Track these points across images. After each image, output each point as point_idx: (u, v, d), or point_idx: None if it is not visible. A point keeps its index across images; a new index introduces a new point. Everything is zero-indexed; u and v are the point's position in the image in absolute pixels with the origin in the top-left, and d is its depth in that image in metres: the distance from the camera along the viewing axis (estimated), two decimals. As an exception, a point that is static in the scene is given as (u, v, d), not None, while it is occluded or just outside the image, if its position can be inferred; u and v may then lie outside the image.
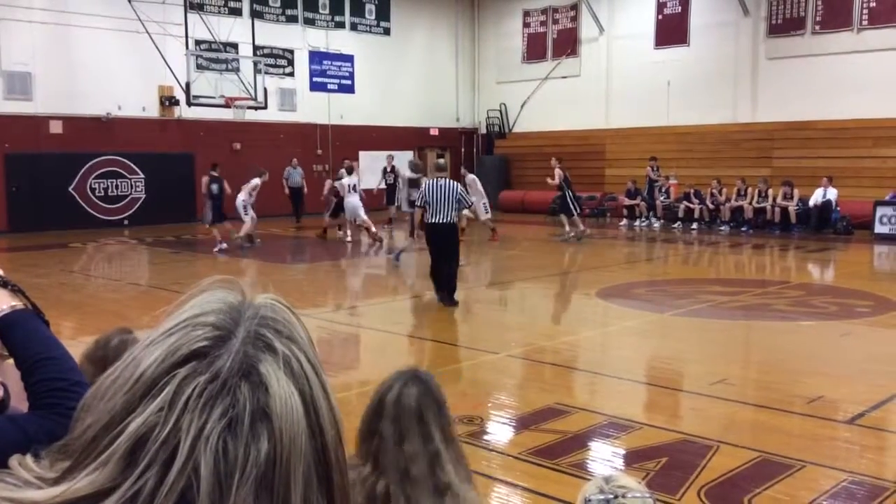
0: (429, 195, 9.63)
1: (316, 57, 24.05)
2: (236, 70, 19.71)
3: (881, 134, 18.79)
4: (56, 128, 19.42)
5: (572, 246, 16.11)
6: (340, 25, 24.69)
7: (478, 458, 4.79)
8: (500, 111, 27.27)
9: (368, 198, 17.68)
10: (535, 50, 26.21)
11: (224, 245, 15.40)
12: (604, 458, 4.96)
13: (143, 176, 20.84)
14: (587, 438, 5.19)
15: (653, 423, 5.43)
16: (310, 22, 23.96)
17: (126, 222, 20.56)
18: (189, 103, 18.57)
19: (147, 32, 18.82)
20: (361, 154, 23.87)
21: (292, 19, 23.54)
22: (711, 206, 19.72)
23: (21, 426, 1.26)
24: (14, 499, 0.64)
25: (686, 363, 7.42)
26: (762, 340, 8.53)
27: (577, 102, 24.51)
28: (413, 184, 16.14)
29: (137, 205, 20.89)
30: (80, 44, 19.36)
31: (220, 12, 21.49)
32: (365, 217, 16.49)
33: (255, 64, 19.81)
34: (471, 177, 17.59)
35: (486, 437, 5.30)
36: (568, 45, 25.29)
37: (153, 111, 20.98)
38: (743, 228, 18.83)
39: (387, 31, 25.82)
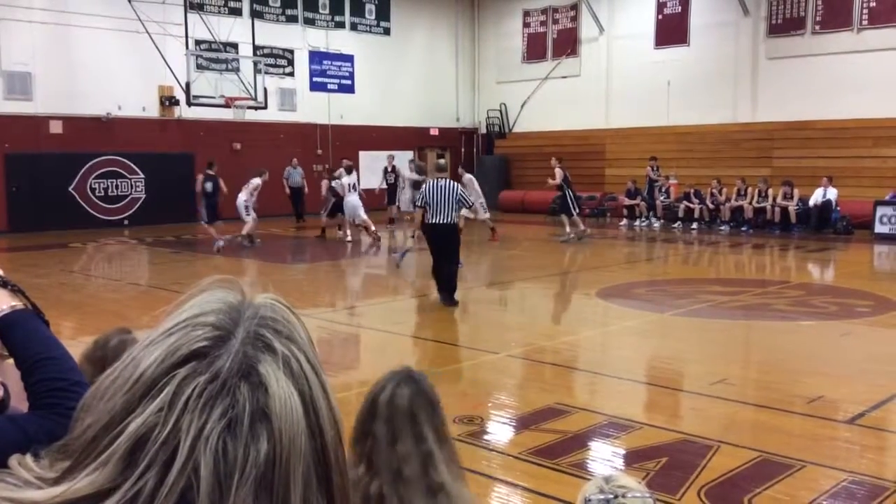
0: (429, 196, 9.63)
1: (316, 57, 24.05)
2: (236, 70, 19.71)
3: (881, 134, 18.79)
4: (56, 128, 19.42)
5: (572, 246, 16.11)
6: (340, 25, 24.68)
7: (478, 458, 4.79)
8: (500, 111, 27.27)
9: (370, 198, 17.67)
10: (535, 50, 26.21)
11: (222, 242, 15.39)
12: (604, 457, 4.96)
13: (143, 176, 20.84)
14: (587, 438, 5.20)
15: (653, 423, 5.43)
16: (310, 22, 23.96)
17: (126, 222, 20.56)
18: (189, 103, 18.57)
19: (147, 32, 18.82)
20: (361, 154, 23.90)
21: (292, 19, 23.54)
22: (711, 206, 19.72)
23: (21, 426, 1.26)
24: (14, 499, 0.64)
25: (686, 363, 7.42)
26: (762, 340, 8.53)
27: (577, 102, 24.51)
28: (417, 186, 16.15)
29: (137, 205, 20.89)
30: (80, 44, 19.35)
31: (220, 12, 21.48)
32: (365, 217, 16.49)
33: (255, 64, 19.81)
34: (468, 176, 17.60)
35: (486, 437, 5.29)
36: (568, 45, 25.29)
37: (153, 111, 20.98)
38: (743, 228, 18.83)
39: (387, 31, 25.82)
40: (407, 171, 19.98)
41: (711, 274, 13.38)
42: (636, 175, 20.89)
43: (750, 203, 19.04)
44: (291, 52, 23.50)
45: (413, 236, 13.23)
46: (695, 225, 19.64)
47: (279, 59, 23.20)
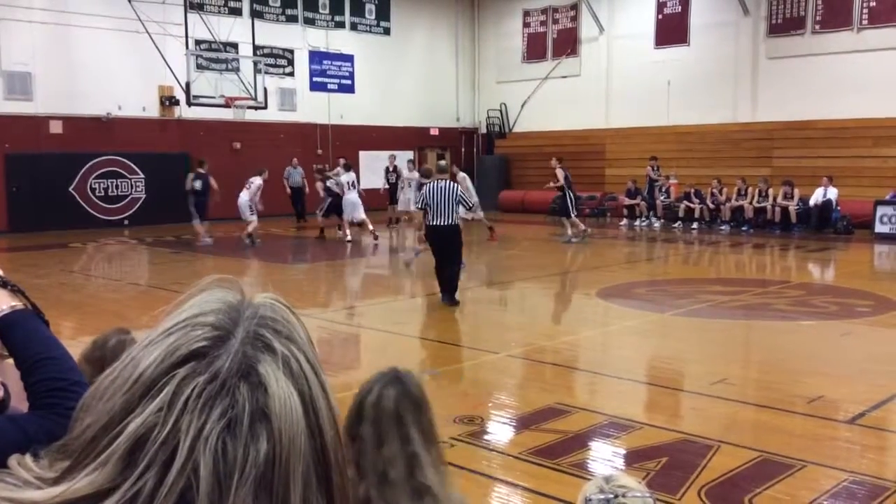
0: (429, 197, 9.63)
1: (316, 57, 24.05)
2: (236, 70, 19.71)
3: (881, 133, 18.79)
4: (56, 128, 19.42)
5: (573, 246, 16.11)
6: (340, 25, 24.69)
7: (478, 458, 4.79)
8: (500, 111, 27.27)
9: (375, 197, 17.62)
10: (535, 50, 26.21)
11: (209, 240, 15.39)
12: (604, 457, 4.96)
13: (143, 176, 20.84)
14: (587, 438, 5.19)
15: (653, 423, 5.43)
16: (310, 22, 23.96)
17: (126, 222, 20.56)
18: (189, 103, 18.57)
19: (147, 32, 18.82)
20: (361, 154, 23.91)
21: (292, 19, 23.54)
22: (712, 206, 19.72)
23: (21, 426, 1.26)
24: (14, 499, 0.64)
25: (686, 363, 7.42)
26: (762, 340, 8.53)
27: (577, 102, 24.51)
28: (422, 187, 16.14)
29: (137, 205, 20.89)
30: (80, 44, 19.36)
31: (220, 12, 21.49)
32: (363, 216, 16.49)
33: (255, 64, 19.80)
34: (461, 175, 17.65)
35: (486, 437, 5.29)
36: (568, 44, 25.30)
37: (153, 111, 20.98)
38: (743, 228, 18.83)
39: (387, 31, 25.82)
40: (406, 171, 19.97)
41: (712, 274, 13.38)
42: (636, 175, 20.89)
43: (750, 203, 19.04)
44: (291, 51, 23.51)
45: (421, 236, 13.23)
46: (695, 225, 19.64)
47: (279, 59, 23.20)
